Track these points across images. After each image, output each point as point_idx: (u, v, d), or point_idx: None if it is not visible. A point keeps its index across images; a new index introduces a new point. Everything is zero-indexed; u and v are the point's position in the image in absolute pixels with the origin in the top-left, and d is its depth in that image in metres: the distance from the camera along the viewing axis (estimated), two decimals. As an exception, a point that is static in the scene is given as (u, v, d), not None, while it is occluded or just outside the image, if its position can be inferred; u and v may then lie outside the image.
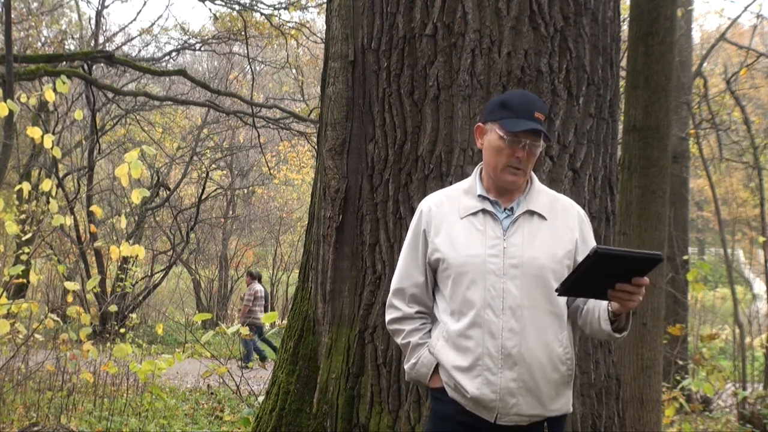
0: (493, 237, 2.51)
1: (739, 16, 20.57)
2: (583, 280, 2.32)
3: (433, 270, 2.61)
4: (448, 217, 2.58)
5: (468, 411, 2.48)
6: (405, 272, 2.64)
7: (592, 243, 2.63)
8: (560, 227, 2.57)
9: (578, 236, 2.60)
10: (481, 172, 2.64)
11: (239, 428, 6.22)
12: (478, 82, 3.43)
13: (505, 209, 2.57)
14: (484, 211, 2.56)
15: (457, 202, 2.60)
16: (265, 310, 13.14)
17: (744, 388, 7.94)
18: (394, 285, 2.66)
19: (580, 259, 2.53)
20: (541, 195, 2.62)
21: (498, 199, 2.57)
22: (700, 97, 10.43)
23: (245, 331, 6.41)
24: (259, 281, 13.56)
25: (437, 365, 2.55)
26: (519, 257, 2.49)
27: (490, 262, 2.48)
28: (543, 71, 3.47)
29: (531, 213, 2.56)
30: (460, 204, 2.59)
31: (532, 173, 2.62)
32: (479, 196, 2.57)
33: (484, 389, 2.44)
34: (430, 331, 2.61)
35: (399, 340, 2.64)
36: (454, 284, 2.52)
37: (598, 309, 2.53)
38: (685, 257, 9.75)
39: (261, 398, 5.14)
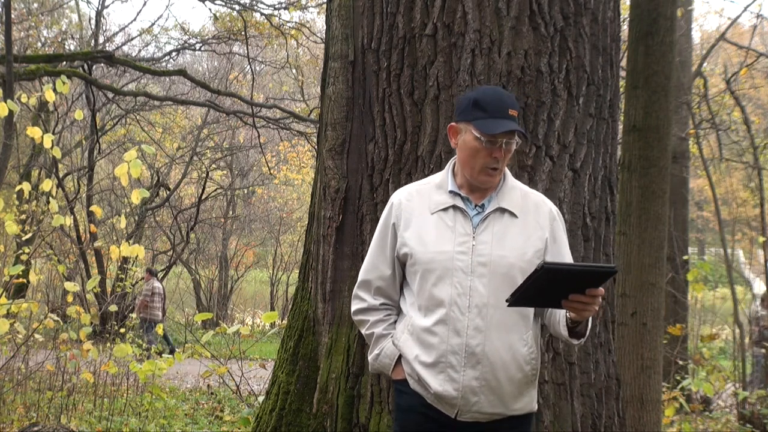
0: (463, 234, 2.50)
1: (739, 16, 20.60)
2: (533, 292, 2.30)
3: (401, 264, 2.60)
4: (419, 212, 2.56)
5: (428, 404, 2.50)
6: (372, 264, 2.64)
7: (564, 241, 2.62)
8: (531, 225, 2.56)
9: (548, 235, 2.57)
10: (453, 167, 2.62)
11: (239, 428, 6.22)
12: (478, 82, 3.43)
13: (476, 206, 2.55)
14: (454, 207, 2.54)
15: (427, 197, 2.58)
16: (163, 309, 13.88)
17: (744, 388, 7.93)
18: (360, 276, 2.66)
19: (548, 258, 2.54)
20: (514, 192, 2.59)
21: (470, 195, 2.56)
22: (700, 97, 10.42)
23: (245, 331, 6.40)
24: (157, 279, 14.11)
25: (399, 357, 2.55)
26: (487, 255, 2.48)
27: (458, 260, 2.48)
28: (543, 71, 3.46)
29: (502, 210, 2.54)
30: (431, 199, 2.58)
31: (506, 168, 2.59)
32: (450, 191, 2.56)
33: (446, 386, 2.46)
34: (394, 322, 2.61)
35: (363, 331, 2.66)
36: (421, 280, 2.51)
37: (558, 313, 2.51)
38: (685, 257, 9.76)
39: (261, 398, 5.14)
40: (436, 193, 2.58)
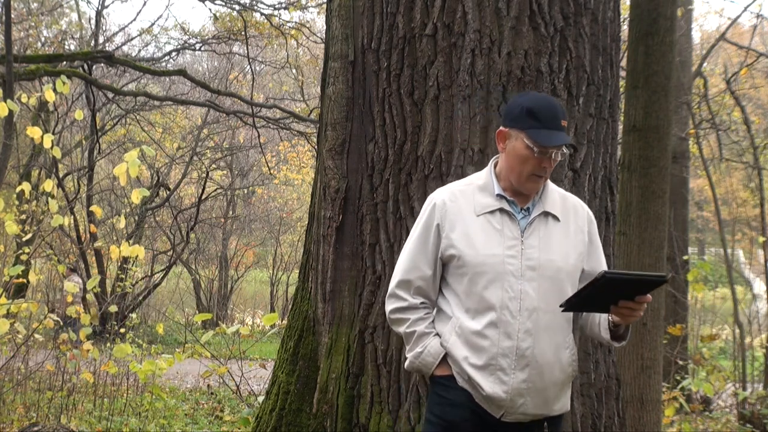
0: (511, 237, 2.52)
1: (739, 16, 20.61)
2: (587, 298, 2.37)
3: (443, 264, 2.59)
4: (464, 213, 2.56)
5: (476, 402, 2.51)
6: (412, 264, 2.61)
7: (598, 244, 2.67)
8: (572, 229, 2.60)
9: (587, 238, 2.63)
10: (495, 168, 2.63)
11: (239, 428, 6.22)
12: (478, 82, 3.43)
13: (521, 209, 2.57)
14: (501, 210, 2.55)
15: (472, 199, 2.58)
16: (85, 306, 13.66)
17: (744, 388, 7.93)
18: (399, 276, 2.63)
19: (587, 260, 2.60)
20: (554, 195, 2.63)
21: (514, 198, 2.57)
22: (700, 97, 10.42)
23: (245, 331, 6.40)
24: (79, 275, 14.06)
25: (444, 357, 2.54)
26: (536, 259, 2.50)
27: (509, 263, 2.49)
28: (543, 71, 3.47)
29: (546, 214, 2.57)
30: (476, 201, 2.58)
31: None
32: (498, 195, 2.56)
33: (496, 388, 2.47)
34: (433, 321, 2.61)
35: (402, 329, 2.62)
36: (470, 283, 2.51)
37: (599, 316, 2.57)
38: (685, 257, 9.75)
39: (261, 398, 5.14)
40: (481, 195, 2.58)
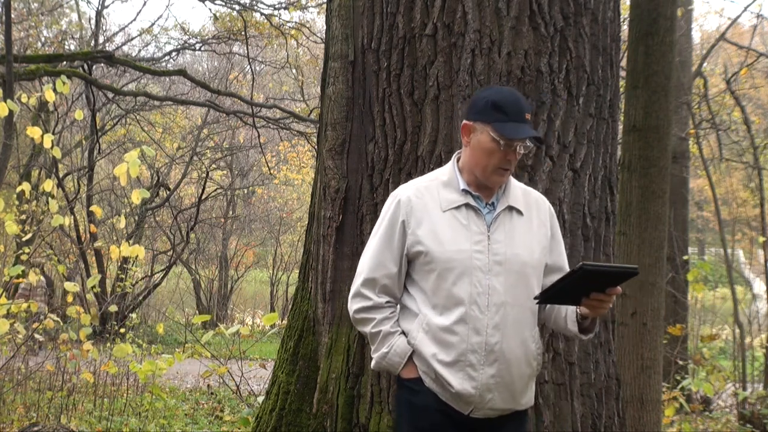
0: (478, 232, 2.52)
1: (739, 16, 20.61)
2: (562, 290, 2.40)
3: (408, 261, 2.58)
4: (430, 210, 2.55)
5: (443, 402, 2.51)
6: (378, 262, 2.59)
7: (559, 238, 2.70)
8: (535, 223, 2.61)
9: (549, 232, 2.65)
10: (457, 163, 2.63)
11: (239, 428, 6.22)
12: (478, 82, 3.43)
13: (486, 204, 2.57)
14: (467, 205, 2.55)
15: (437, 194, 2.58)
16: (49, 303, 13.61)
17: (744, 388, 7.93)
18: (364, 274, 2.61)
19: (549, 254, 2.63)
20: (517, 189, 2.64)
21: (479, 193, 2.57)
22: (700, 97, 10.42)
23: (245, 331, 6.40)
24: (44, 273, 14.11)
25: (411, 355, 2.53)
26: (503, 254, 2.51)
27: (476, 258, 2.49)
28: (543, 71, 3.47)
29: (510, 208, 2.58)
30: (441, 196, 2.57)
31: None
32: (463, 190, 2.57)
33: (465, 384, 2.47)
34: (398, 320, 2.59)
35: (368, 329, 2.60)
36: (438, 279, 2.51)
37: (564, 309, 2.58)
38: (685, 257, 9.75)
39: (261, 398, 5.14)
40: (446, 191, 2.58)
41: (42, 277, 13.24)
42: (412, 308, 2.58)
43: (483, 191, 2.58)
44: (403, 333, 2.56)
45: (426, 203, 2.56)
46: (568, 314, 2.57)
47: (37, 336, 6.70)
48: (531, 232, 2.59)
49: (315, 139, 11.03)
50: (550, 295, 2.45)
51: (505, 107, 2.50)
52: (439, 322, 2.50)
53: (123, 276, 12.19)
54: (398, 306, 2.63)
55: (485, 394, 2.48)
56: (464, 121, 2.60)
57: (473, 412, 2.50)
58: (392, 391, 3.42)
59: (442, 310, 2.50)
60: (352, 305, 2.64)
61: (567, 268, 2.67)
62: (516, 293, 2.49)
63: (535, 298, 2.46)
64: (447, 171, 2.64)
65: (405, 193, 2.61)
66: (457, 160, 2.64)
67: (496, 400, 2.50)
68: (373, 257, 2.61)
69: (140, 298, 16.14)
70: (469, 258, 2.49)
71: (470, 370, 2.47)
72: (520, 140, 2.50)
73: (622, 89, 5.64)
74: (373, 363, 2.63)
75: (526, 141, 2.53)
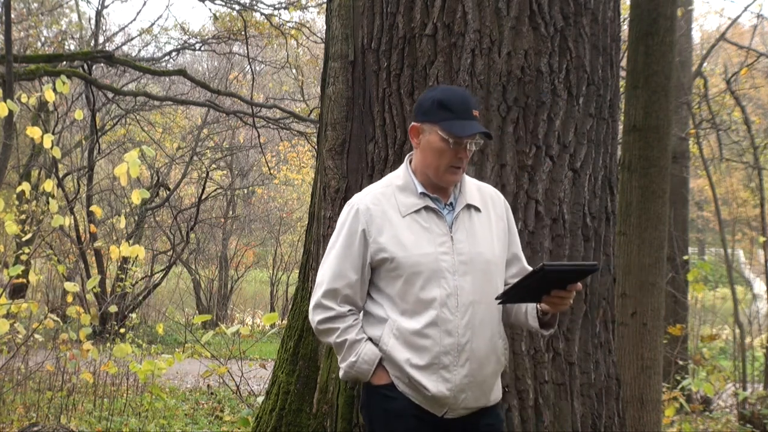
0: (440, 234, 2.52)
1: (739, 16, 20.59)
2: (524, 290, 2.42)
3: (372, 269, 2.56)
4: (389, 216, 2.54)
5: (417, 406, 2.50)
6: (338, 272, 2.56)
7: (515, 231, 2.72)
8: (493, 218, 2.63)
9: (506, 225, 2.67)
10: (410, 165, 2.62)
11: (239, 428, 6.22)
12: (478, 82, 3.43)
13: (445, 205, 2.57)
14: (426, 208, 2.55)
15: (394, 200, 2.57)
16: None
17: (744, 388, 7.93)
18: (325, 285, 2.58)
19: (509, 247, 2.66)
20: (471, 186, 2.65)
21: (436, 194, 2.57)
22: (700, 97, 10.41)
23: (245, 331, 6.40)
24: None
25: (380, 361, 2.51)
26: (467, 253, 2.52)
27: (443, 260, 2.49)
28: (543, 71, 3.47)
29: (469, 207, 2.59)
30: (399, 201, 2.56)
31: None
32: (421, 193, 2.56)
33: (440, 387, 2.47)
34: (362, 327, 2.57)
35: (333, 339, 2.57)
36: (405, 284, 2.50)
37: (525, 304, 2.60)
38: (686, 257, 9.74)
39: (261, 398, 5.13)
40: (402, 195, 2.57)
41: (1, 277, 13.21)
42: (379, 314, 2.56)
43: (440, 192, 2.58)
44: (370, 339, 2.54)
45: (385, 210, 2.55)
46: (528, 310, 2.59)
47: (36, 336, 6.69)
48: (490, 228, 2.60)
49: (315, 139, 11.03)
50: (511, 296, 2.47)
51: (451, 105, 2.50)
52: (410, 327, 2.49)
53: (123, 276, 12.18)
54: (361, 314, 2.61)
55: (459, 394, 2.49)
56: (412, 123, 2.60)
57: (447, 414, 2.51)
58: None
59: (411, 314, 2.49)
60: (315, 316, 2.61)
61: (523, 258, 2.72)
62: (483, 291, 2.51)
63: (497, 298, 2.47)
64: (401, 175, 2.63)
65: (362, 201, 2.59)
66: (410, 162, 2.64)
67: (469, 399, 2.51)
68: (333, 267, 2.58)
69: (140, 298, 16.11)
70: (435, 261, 2.49)
71: (444, 372, 2.47)
72: (468, 137, 2.49)
73: (622, 89, 5.64)
74: (341, 373, 2.60)
75: (476, 137, 2.53)
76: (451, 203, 2.58)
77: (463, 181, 2.62)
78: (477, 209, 2.60)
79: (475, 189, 2.66)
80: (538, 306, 2.53)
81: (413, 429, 2.52)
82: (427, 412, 2.51)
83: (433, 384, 2.47)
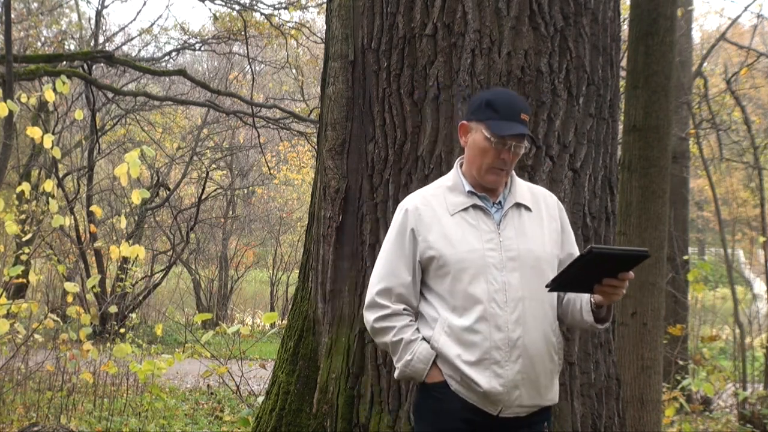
0: (488, 231, 2.54)
1: (739, 16, 20.59)
2: (575, 276, 2.39)
3: (422, 268, 2.59)
4: (438, 215, 2.58)
5: (471, 406, 2.49)
6: (391, 271, 2.60)
7: (570, 231, 2.71)
8: (545, 217, 2.63)
9: (560, 226, 2.67)
10: (461, 168, 2.66)
11: (239, 428, 6.22)
12: (478, 82, 3.43)
13: (493, 204, 2.60)
14: (474, 206, 2.58)
15: (443, 200, 2.60)
16: None
17: (744, 388, 7.93)
18: (379, 285, 2.60)
19: (561, 247, 2.64)
20: (523, 187, 2.67)
21: (485, 194, 2.60)
22: (700, 97, 10.41)
23: (245, 331, 6.40)
24: None
25: (435, 360, 2.52)
26: (515, 249, 2.52)
27: (489, 256, 2.50)
28: (543, 71, 3.47)
29: (518, 205, 2.60)
30: (448, 201, 2.60)
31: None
32: (469, 192, 2.59)
33: (492, 382, 2.46)
34: (417, 328, 2.58)
35: (388, 338, 2.57)
36: (453, 281, 2.51)
37: (579, 300, 2.59)
38: (686, 257, 9.75)
39: (261, 398, 5.13)
40: (452, 195, 2.61)
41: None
42: (431, 314, 2.57)
43: (488, 192, 2.60)
44: (424, 339, 2.55)
45: (434, 209, 2.59)
46: (582, 305, 2.57)
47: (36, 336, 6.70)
48: (541, 226, 2.61)
49: (315, 139, 11.02)
50: (561, 282, 2.43)
51: (497, 106, 2.53)
52: (460, 323, 2.50)
53: (123, 276, 12.18)
54: (416, 315, 2.62)
55: (512, 391, 2.47)
56: (461, 122, 2.64)
57: (502, 412, 2.49)
58: (392, 391, 3.41)
59: (461, 311, 2.50)
60: (370, 315, 2.62)
61: None
62: (532, 288, 2.50)
63: (547, 285, 2.45)
64: (451, 176, 2.67)
65: (412, 202, 2.64)
66: (461, 165, 2.67)
67: (524, 396, 2.49)
68: (385, 267, 2.62)
69: (140, 298, 16.11)
70: (481, 257, 2.50)
71: (496, 367, 2.46)
72: (510, 138, 2.51)
73: (622, 89, 5.64)
74: (396, 373, 2.60)
75: (524, 141, 2.55)
76: (500, 202, 2.60)
77: (514, 182, 2.64)
78: (527, 208, 2.61)
79: (526, 189, 2.68)
80: (592, 299, 2.51)
81: (459, 429, 2.50)
82: (481, 412, 2.49)
83: (485, 380, 2.46)
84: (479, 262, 2.50)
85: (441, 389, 2.52)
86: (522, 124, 2.53)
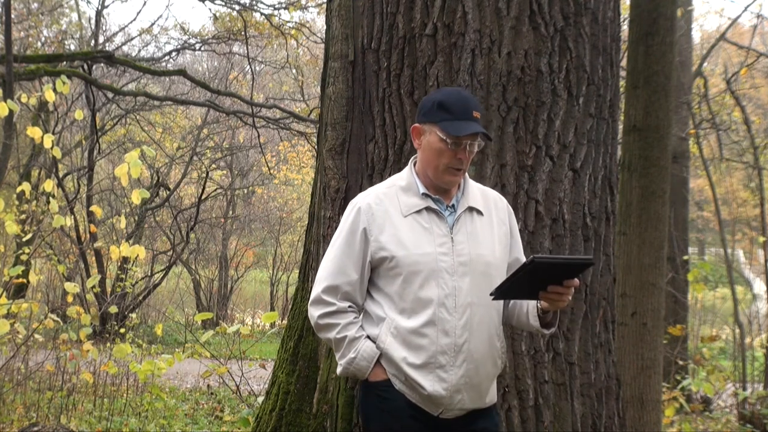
0: (441, 235, 2.54)
1: (739, 16, 20.60)
2: (520, 284, 2.39)
3: (372, 268, 2.58)
4: (391, 215, 2.57)
5: (414, 404, 2.52)
6: (339, 269, 2.59)
7: (518, 236, 2.73)
8: (495, 222, 2.64)
9: (509, 230, 2.68)
10: (414, 167, 2.65)
11: (239, 428, 6.22)
12: (478, 82, 3.43)
13: (447, 206, 2.59)
14: (428, 209, 2.57)
15: (396, 200, 2.59)
16: None
17: (744, 388, 7.93)
18: (325, 282, 2.60)
19: (510, 251, 2.66)
20: (475, 190, 2.67)
21: (439, 196, 2.59)
22: (700, 97, 10.42)
23: (245, 331, 6.40)
24: None
25: (378, 358, 2.53)
26: (467, 255, 2.53)
27: (442, 261, 2.51)
28: (543, 71, 3.47)
29: (471, 209, 2.60)
30: (401, 201, 2.59)
31: None
32: (423, 194, 2.58)
33: (436, 386, 2.48)
34: (362, 325, 2.59)
35: (333, 335, 2.58)
36: (404, 283, 2.52)
37: (526, 305, 2.61)
38: (686, 257, 9.75)
39: (261, 398, 5.13)
40: (405, 196, 2.60)
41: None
42: (378, 313, 2.58)
43: (442, 194, 2.60)
44: (368, 337, 2.56)
45: (386, 209, 2.58)
46: (529, 310, 2.59)
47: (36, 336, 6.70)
48: (492, 231, 2.62)
49: (315, 139, 11.02)
50: (504, 290, 2.44)
51: (450, 106, 2.53)
52: (408, 325, 2.50)
53: (123, 276, 12.18)
54: (361, 313, 2.63)
55: (455, 395, 2.50)
56: (413, 124, 2.63)
57: (443, 413, 2.52)
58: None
59: (410, 313, 2.51)
60: (315, 311, 2.62)
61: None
62: (482, 293, 2.51)
63: (491, 293, 2.45)
64: (405, 176, 2.66)
65: (364, 200, 2.62)
66: (414, 164, 2.66)
67: (465, 400, 2.52)
68: (333, 264, 2.61)
69: (140, 298, 16.12)
70: (434, 260, 2.50)
71: (440, 371, 2.48)
72: (466, 137, 2.51)
73: (622, 89, 5.64)
74: (339, 369, 2.61)
75: (478, 139, 2.54)
76: (453, 205, 2.60)
77: (466, 184, 2.64)
78: (479, 212, 2.62)
79: (478, 192, 2.67)
80: (538, 305, 2.54)
81: (409, 428, 2.53)
82: (422, 411, 2.52)
83: (429, 383, 2.48)
84: (432, 266, 2.50)
85: (384, 387, 2.54)
86: (476, 122, 2.53)
